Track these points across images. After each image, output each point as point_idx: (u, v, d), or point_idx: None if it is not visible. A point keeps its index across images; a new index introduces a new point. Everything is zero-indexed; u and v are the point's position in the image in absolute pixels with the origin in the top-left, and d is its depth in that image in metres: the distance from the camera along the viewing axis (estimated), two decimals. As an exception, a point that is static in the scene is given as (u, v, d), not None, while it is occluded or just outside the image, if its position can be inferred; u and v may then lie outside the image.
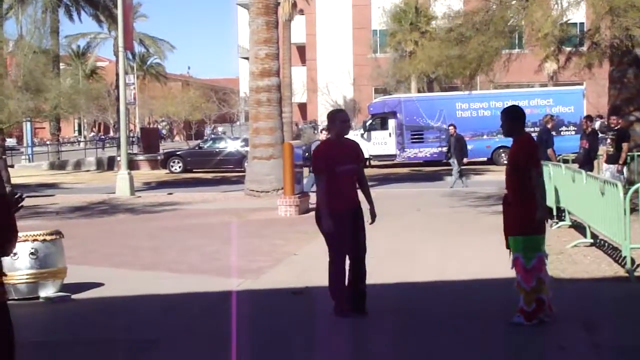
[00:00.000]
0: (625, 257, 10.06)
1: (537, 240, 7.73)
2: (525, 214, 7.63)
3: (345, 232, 8.10)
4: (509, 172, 7.85)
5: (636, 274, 10.00)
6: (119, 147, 33.13)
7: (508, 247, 7.90)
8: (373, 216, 8.42)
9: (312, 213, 18.73)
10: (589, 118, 18.88)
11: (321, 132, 25.06)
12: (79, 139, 75.74)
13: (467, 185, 24.65)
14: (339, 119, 8.32)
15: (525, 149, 7.79)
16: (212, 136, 56.76)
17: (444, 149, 36.06)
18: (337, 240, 8.15)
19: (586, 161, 17.10)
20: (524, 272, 7.65)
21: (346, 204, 8.13)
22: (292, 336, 7.79)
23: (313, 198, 20.12)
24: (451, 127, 25.69)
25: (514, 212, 7.76)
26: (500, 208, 17.38)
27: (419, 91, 51.39)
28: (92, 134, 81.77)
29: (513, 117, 7.98)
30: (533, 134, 20.99)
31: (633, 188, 10.56)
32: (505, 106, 8.28)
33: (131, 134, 56.80)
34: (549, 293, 7.75)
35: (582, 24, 34.54)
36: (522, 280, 7.67)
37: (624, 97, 18.90)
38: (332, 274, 8.20)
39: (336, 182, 8.11)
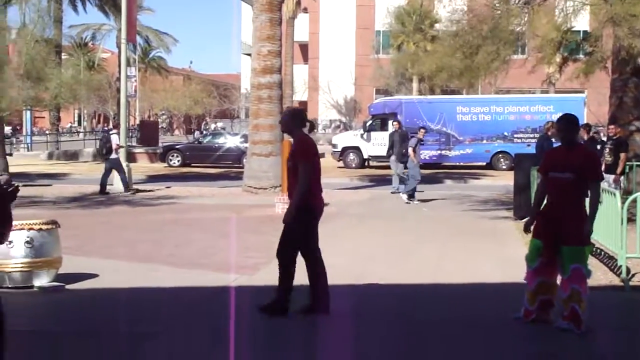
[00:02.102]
0: (620, 266, 10.07)
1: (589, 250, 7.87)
2: (583, 225, 7.66)
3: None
4: (572, 182, 7.67)
5: (631, 283, 10.02)
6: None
7: (553, 255, 7.75)
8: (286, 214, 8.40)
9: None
10: (587, 126, 18.88)
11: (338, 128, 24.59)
12: (79, 130, 75.68)
13: (398, 190, 22.37)
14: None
15: (590, 161, 7.80)
16: (204, 132, 56.83)
17: (443, 151, 36.23)
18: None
19: None
20: (583, 281, 7.66)
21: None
22: (286, 332, 7.79)
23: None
24: (395, 123, 24.50)
25: (575, 222, 7.65)
26: (499, 214, 17.42)
27: (420, 94, 51.43)
28: (100, 125, 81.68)
29: (575, 125, 7.98)
30: (533, 141, 21.01)
31: (631, 198, 10.58)
32: (565, 113, 8.07)
33: (131, 127, 56.75)
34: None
35: (585, 31, 34.53)
36: (580, 289, 7.64)
37: (625, 107, 18.91)
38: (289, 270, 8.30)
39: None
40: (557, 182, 7.71)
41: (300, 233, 8.15)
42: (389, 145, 23.50)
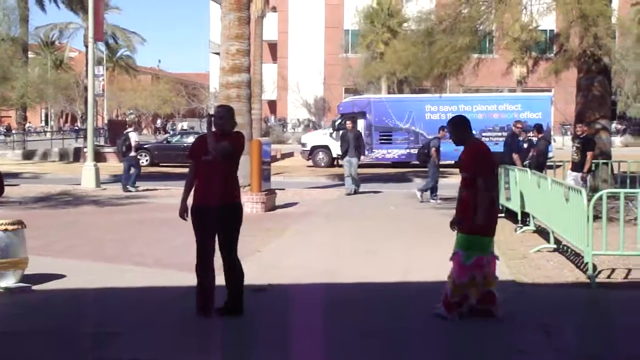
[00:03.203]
0: (587, 263, 10.17)
1: (480, 240, 8.04)
2: (469, 214, 8.04)
3: (206, 228, 8.09)
4: (464, 178, 8.23)
5: (597, 280, 10.11)
6: (85, 138, 32.87)
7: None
8: None
9: (278, 210, 18.76)
10: (539, 127, 19.04)
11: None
12: (45, 129, 75.01)
13: (352, 191, 22.29)
14: (216, 115, 8.32)
15: (473, 158, 8.16)
16: (171, 131, 56.62)
17: (412, 150, 36.26)
18: (197, 235, 8.18)
19: (536, 168, 17.20)
20: (458, 267, 8.03)
21: (211, 198, 8.04)
22: (254, 332, 7.78)
23: (280, 196, 20.18)
24: (349, 123, 23.83)
25: (466, 211, 8.06)
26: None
27: (389, 92, 51.54)
28: (67, 124, 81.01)
29: (461, 126, 8.33)
30: (501, 139, 21.15)
31: (597, 195, 10.67)
32: (454, 115, 8.57)
33: (98, 126, 56.43)
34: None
35: (551, 30, 34.79)
36: (454, 273, 8.04)
37: (591, 105, 19.09)
38: (196, 271, 8.20)
39: (200, 174, 8.17)
40: (462, 179, 8.28)
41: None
42: (343, 146, 22.94)
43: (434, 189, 20.54)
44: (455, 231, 8.20)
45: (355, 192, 22.23)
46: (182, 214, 8.26)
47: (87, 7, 27.31)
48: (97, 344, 7.32)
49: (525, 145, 18.19)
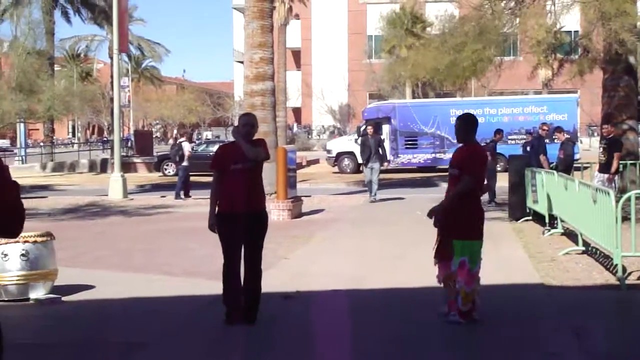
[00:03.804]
0: (616, 265, 10.08)
1: (479, 245, 8.03)
2: (473, 219, 7.98)
3: (233, 235, 8.04)
4: (457, 178, 8.02)
5: (627, 282, 10.02)
6: (112, 149, 33.11)
7: (443, 249, 8.05)
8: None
9: (304, 217, 18.77)
10: (559, 129, 18.96)
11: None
12: (73, 141, 75.56)
13: (376, 199, 21.93)
14: (242, 122, 8.33)
15: (470, 157, 8.07)
16: (196, 141, 56.77)
17: (437, 155, 36.16)
18: (224, 243, 8.12)
19: (563, 170, 17.13)
20: (465, 274, 7.88)
21: (238, 205, 8.01)
22: (285, 340, 7.78)
23: (306, 203, 20.19)
24: (369, 128, 23.31)
25: (466, 216, 7.97)
26: (494, 215, 17.44)
27: (413, 97, 51.46)
28: (94, 136, 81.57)
29: (473, 124, 8.25)
30: (526, 142, 21.05)
31: (625, 196, 10.59)
32: (463, 113, 8.57)
33: (126, 136, 56.78)
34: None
35: (576, 32, 34.60)
36: (465, 283, 7.88)
37: (617, 106, 18.94)
38: (224, 279, 8.17)
39: (228, 182, 8.08)
40: (450, 178, 8.20)
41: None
42: (365, 152, 22.38)
43: (492, 194, 20.31)
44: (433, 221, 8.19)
45: (374, 200, 21.65)
46: (213, 227, 8.15)
47: (112, 20, 27.52)
48: (125, 354, 7.36)
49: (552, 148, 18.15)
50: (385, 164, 22.96)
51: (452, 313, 7.97)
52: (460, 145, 8.29)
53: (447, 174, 8.41)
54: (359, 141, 36.14)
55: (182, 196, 23.79)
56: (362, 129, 38.51)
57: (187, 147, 24.23)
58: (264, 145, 8.42)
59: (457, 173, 8.00)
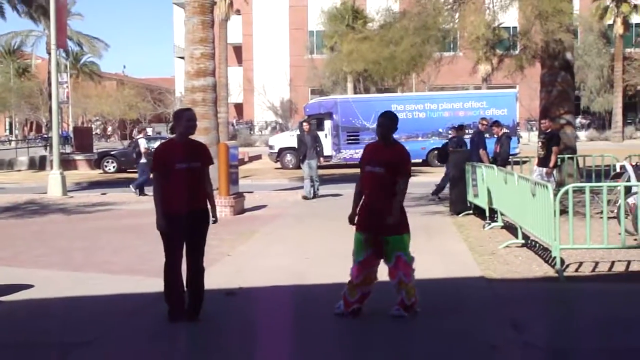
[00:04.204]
0: (555, 257, 10.25)
1: (409, 238, 8.18)
2: (404, 214, 8.11)
3: (177, 234, 8.00)
4: (383, 176, 8.05)
5: (565, 274, 10.20)
6: (51, 146, 32.63)
7: (371, 245, 8.10)
8: (214, 217, 8.44)
9: (247, 213, 18.71)
10: (498, 123, 19.20)
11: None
12: (10, 138, 74.25)
13: (311, 195, 21.69)
14: (185, 118, 8.20)
15: (400, 157, 8.15)
16: (137, 137, 56.24)
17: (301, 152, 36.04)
18: (169, 242, 8.06)
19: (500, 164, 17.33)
20: (407, 268, 8.03)
21: (182, 205, 7.95)
22: (227, 337, 7.76)
23: (249, 199, 20.15)
24: (305, 124, 23.03)
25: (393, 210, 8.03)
26: (435, 209, 17.59)
27: (354, 93, 51.65)
28: (32, 133, 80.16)
29: (397, 122, 8.33)
30: (467, 137, 21.32)
31: (563, 190, 10.76)
32: (386, 110, 8.51)
33: (64, 133, 55.90)
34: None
35: (514, 27, 35.05)
36: (404, 275, 8.01)
37: (555, 100, 19.27)
38: (165, 277, 8.12)
39: (173, 182, 7.98)
40: (373, 176, 8.13)
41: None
42: (301, 148, 22.21)
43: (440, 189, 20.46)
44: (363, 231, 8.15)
45: (315, 196, 21.68)
46: (162, 227, 7.98)
47: (50, 14, 27.09)
48: (65, 354, 7.25)
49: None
50: (321, 159, 22.48)
51: (396, 307, 8.04)
52: (376, 142, 8.32)
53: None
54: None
55: (143, 192, 23.34)
56: (311, 125, 38.62)
57: (142, 144, 23.90)
58: (205, 150, 8.37)
59: (383, 172, 8.02)
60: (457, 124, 21.78)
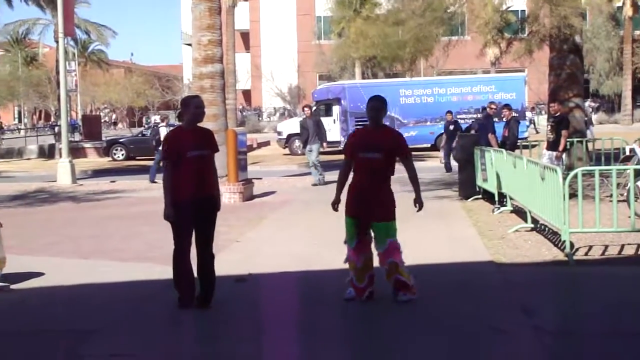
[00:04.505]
0: (564, 241, 10.23)
1: (396, 224, 8.21)
2: (393, 202, 8.17)
3: (187, 222, 7.98)
4: (379, 161, 8.04)
5: (575, 257, 10.19)
6: (60, 134, 32.70)
7: (365, 232, 8.13)
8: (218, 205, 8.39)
9: (256, 200, 18.73)
10: (508, 107, 19.14)
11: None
12: (19, 127, 74.41)
13: (320, 182, 21.37)
14: (194, 105, 8.21)
15: (397, 140, 8.20)
16: (148, 124, 56.34)
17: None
18: (179, 230, 8.04)
19: (508, 148, 17.29)
20: (399, 253, 8.09)
21: (193, 192, 7.94)
22: (237, 323, 7.78)
23: (257, 185, 20.15)
24: (307, 109, 22.87)
25: (390, 197, 8.13)
26: (444, 193, 17.56)
27: (363, 78, 51.53)
28: (41, 121, 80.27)
29: (384, 106, 8.24)
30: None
31: (572, 173, 10.73)
32: (374, 95, 8.39)
33: (72, 121, 56.01)
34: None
35: (523, 11, 34.89)
36: (400, 261, 8.07)
37: (563, 84, 19.20)
38: (175, 264, 8.12)
39: (184, 170, 7.96)
40: (366, 162, 8.07)
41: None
42: (303, 134, 22.06)
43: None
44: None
45: (320, 183, 21.29)
46: (170, 217, 7.97)
47: (57, 2, 27.09)
48: (76, 341, 7.28)
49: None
50: (325, 145, 22.24)
51: (402, 292, 8.06)
52: (366, 127, 8.33)
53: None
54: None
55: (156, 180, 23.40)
56: (312, 109, 38.56)
57: (163, 132, 23.77)
58: (212, 138, 8.39)
59: (381, 157, 8.00)
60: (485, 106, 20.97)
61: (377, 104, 8.15)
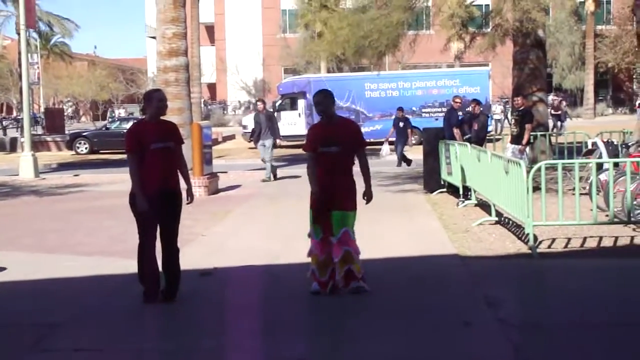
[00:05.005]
0: (528, 234, 10.32)
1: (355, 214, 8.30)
2: (353, 191, 8.22)
3: (154, 215, 7.96)
4: (338, 154, 8.15)
5: (538, 250, 10.27)
6: (22, 128, 32.34)
7: (320, 222, 8.20)
8: (190, 196, 8.49)
9: (221, 194, 18.66)
10: (477, 101, 19.22)
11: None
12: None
13: (270, 178, 21.15)
14: (156, 99, 8.17)
15: (351, 132, 8.35)
16: (112, 118, 55.91)
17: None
18: (143, 224, 8.02)
19: (476, 142, 17.37)
20: (354, 242, 8.18)
21: (157, 185, 7.93)
22: (202, 317, 7.75)
23: (223, 179, 20.08)
24: (260, 104, 22.25)
25: (350, 188, 8.19)
26: (409, 187, 17.61)
27: (328, 72, 51.52)
28: (2, 114, 79.24)
29: (332, 99, 8.31)
30: (440, 115, 21.27)
31: (535, 167, 10.83)
32: (321, 89, 8.50)
33: (35, 115, 55.36)
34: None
35: (487, 5, 35.10)
36: (354, 251, 8.15)
37: (527, 78, 19.36)
38: (139, 258, 8.11)
39: (149, 163, 7.94)
40: (329, 156, 8.18)
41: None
42: (255, 129, 21.66)
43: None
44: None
45: (273, 178, 21.15)
46: (144, 208, 7.90)
47: (18, -6, 26.75)
48: (40, 335, 7.21)
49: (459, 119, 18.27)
50: (278, 140, 21.84)
51: (354, 281, 8.14)
52: (321, 122, 8.39)
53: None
54: (279, 116, 35.94)
55: None
56: (277, 103, 38.50)
57: None
58: (177, 130, 8.38)
59: (339, 150, 8.10)
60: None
61: (321, 99, 8.22)
